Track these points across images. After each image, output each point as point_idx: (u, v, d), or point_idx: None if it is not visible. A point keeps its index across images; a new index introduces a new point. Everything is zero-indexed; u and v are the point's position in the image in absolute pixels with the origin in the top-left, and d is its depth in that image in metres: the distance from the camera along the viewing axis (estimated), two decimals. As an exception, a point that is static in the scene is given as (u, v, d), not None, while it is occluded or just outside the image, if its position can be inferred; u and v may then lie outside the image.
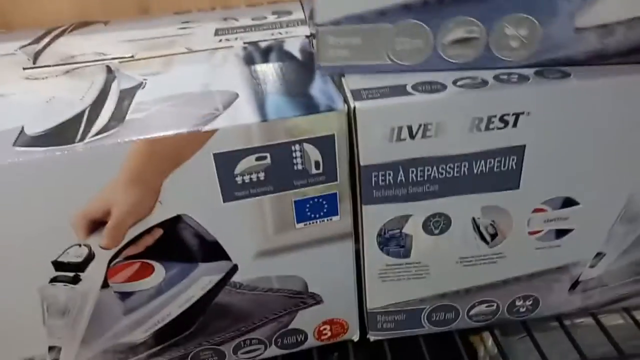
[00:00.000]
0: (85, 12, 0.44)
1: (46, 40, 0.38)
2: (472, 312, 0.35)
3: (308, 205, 0.29)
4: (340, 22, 0.26)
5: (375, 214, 0.30)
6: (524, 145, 0.28)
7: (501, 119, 0.27)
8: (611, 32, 0.26)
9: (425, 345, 0.36)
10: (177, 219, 0.28)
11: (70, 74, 0.32)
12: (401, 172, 0.28)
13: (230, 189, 0.27)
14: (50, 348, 0.30)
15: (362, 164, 0.28)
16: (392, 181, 0.29)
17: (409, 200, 0.29)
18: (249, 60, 0.33)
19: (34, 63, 0.35)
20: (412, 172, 0.28)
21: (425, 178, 0.29)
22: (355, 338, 0.37)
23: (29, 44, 0.38)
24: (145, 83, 0.30)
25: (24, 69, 0.34)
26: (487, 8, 0.26)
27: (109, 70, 0.32)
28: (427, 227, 0.30)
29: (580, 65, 0.27)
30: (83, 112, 0.27)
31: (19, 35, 0.40)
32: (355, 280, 0.33)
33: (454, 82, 0.27)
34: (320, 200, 0.29)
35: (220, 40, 0.36)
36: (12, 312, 0.28)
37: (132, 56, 0.34)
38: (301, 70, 0.31)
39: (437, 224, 0.30)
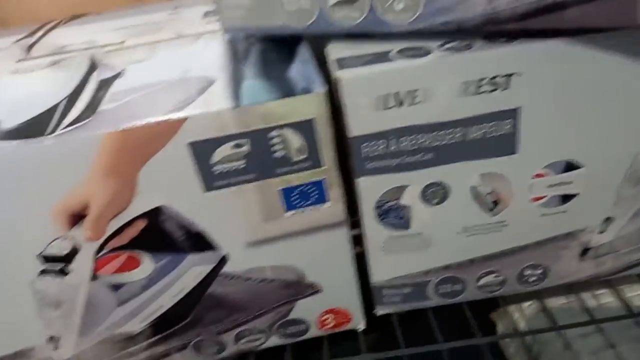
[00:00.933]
0: (82, 7, 0.44)
1: (40, 33, 0.38)
2: (480, 283, 0.34)
3: (295, 193, 0.28)
4: None
5: (370, 186, 0.29)
6: (519, 108, 0.26)
7: (491, 82, 0.25)
8: None
9: (438, 328, 0.35)
10: (158, 210, 0.27)
11: (56, 66, 0.32)
12: (393, 141, 0.27)
13: (210, 179, 0.26)
14: (50, 338, 0.31)
15: (351, 135, 0.26)
16: (384, 151, 0.27)
17: (404, 171, 0.28)
18: (233, 44, 0.31)
19: (27, 55, 0.35)
20: (404, 140, 0.27)
21: (418, 146, 0.27)
22: (361, 327, 0.35)
23: (24, 38, 0.38)
24: (124, 72, 0.29)
25: (16, 61, 0.34)
26: None
27: (92, 60, 0.32)
28: (424, 197, 0.29)
29: (474, 32, 0.25)
30: (58, 104, 0.27)
31: (15, 30, 0.40)
32: (354, 268, 0.32)
33: (441, 46, 0.25)
34: (308, 187, 0.28)
35: (208, 23, 0.35)
36: (6, 305, 0.29)
37: (123, 42, 0.34)
38: (283, 51, 0.29)
39: (435, 194, 0.29)
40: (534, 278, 0.34)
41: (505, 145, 0.27)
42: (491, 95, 0.25)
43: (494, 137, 0.27)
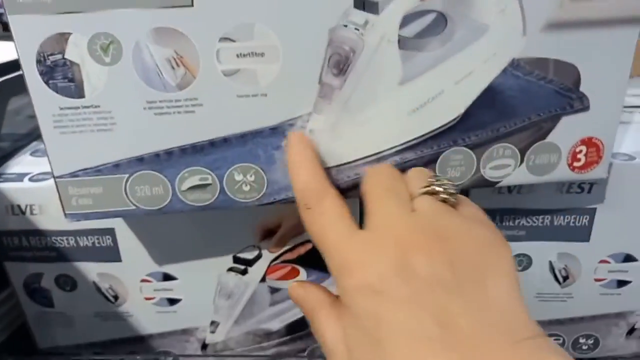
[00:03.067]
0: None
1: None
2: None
3: None
4: (77, 174, 0.28)
5: None
6: (595, 208, 0.36)
7: (579, 186, 0.35)
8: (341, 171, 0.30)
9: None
10: (324, 237, 0.38)
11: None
12: None
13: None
14: (212, 322, 0.41)
15: None
16: None
17: None
18: None
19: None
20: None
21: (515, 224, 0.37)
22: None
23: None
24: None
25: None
26: (214, 159, 0.29)
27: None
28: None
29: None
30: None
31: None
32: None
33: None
34: None
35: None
36: (199, 291, 0.39)
37: None
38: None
39: (520, 263, 0.38)
40: (586, 347, 0.43)
41: (582, 233, 0.38)
42: (577, 195, 0.36)
43: (574, 226, 0.37)
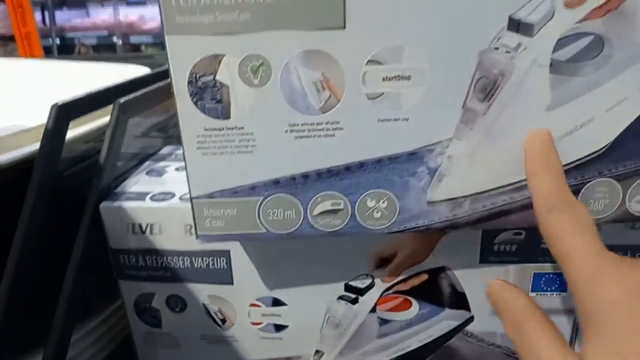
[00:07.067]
0: None
1: None
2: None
3: (544, 279, 0.36)
4: (214, 195, 0.28)
5: None
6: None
7: None
8: (459, 205, 0.29)
9: None
10: (441, 269, 0.36)
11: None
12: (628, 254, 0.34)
13: (487, 254, 0.35)
14: (317, 352, 0.39)
15: None
16: None
17: None
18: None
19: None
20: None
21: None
22: None
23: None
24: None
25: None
26: (348, 184, 0.28)
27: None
28: None
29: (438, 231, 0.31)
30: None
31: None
32: None
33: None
34: (555, 276, 0.35)
35: None
36: (306, 318, 0.38)
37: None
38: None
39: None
40: None
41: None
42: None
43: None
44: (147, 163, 0.43)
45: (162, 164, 0.43)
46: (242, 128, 0.27)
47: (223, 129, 0.27)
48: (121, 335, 0.45)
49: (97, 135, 0.41)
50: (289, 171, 0.28)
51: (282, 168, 0.28)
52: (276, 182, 0.28)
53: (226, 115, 0.27)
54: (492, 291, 0.28)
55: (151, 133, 0.53)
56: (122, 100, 0.39)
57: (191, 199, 0.29)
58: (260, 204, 0.29)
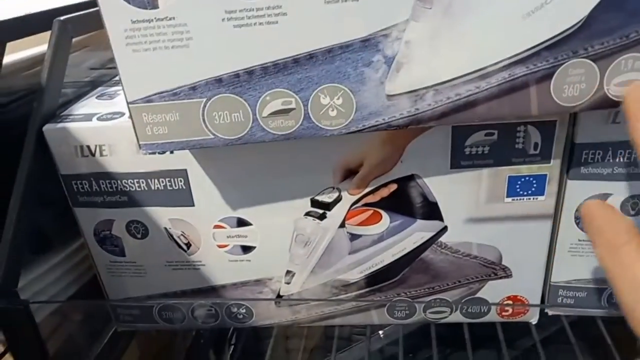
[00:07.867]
0: None
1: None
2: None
3: (519, 182, 0.34)
4: (152, 99, 0.26)
5: (578, 190, 0.33)
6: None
7: None
8: (421, 97, 0.27)
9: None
10: (410, 177, 0.34)
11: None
12: (610, 152, 0.32)
13: (459, 158, 0.33)
14: (287, 272, 0.38)
15: (577, 142, 0.32)
16: (600, 159, 0.32)
17: (612, 180, 0.33)
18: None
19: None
20: (620, 153, 0.32)
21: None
22: (534, 321, 0.40)
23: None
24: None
25: None
26: (298, 79, 0.26)
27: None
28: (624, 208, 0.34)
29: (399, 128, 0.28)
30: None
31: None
32: (546, 261, 0.37)
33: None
34: (531, 179, 0.34)
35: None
36: (273, 238, 0.37)
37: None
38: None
39: None
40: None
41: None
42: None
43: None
44: (99, 88, 0.41)
45: (115, 88, 0.40)
46: (174, 18, 0.24)
47: (152, 20, 0.24)
48: (91, 272, 0.43)
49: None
50: (231, 67, 0.25)
51: (223, 63, 0.25)
52: (218, 81, 0.26)
53: (153, 4, 0.24)
54: (588, 209, 0.25)
55: (109, 65, 0.50)
56: (62, 18, 0.36)
57: (128, 104, 0.26)
58: (204, 105, 0.26)
